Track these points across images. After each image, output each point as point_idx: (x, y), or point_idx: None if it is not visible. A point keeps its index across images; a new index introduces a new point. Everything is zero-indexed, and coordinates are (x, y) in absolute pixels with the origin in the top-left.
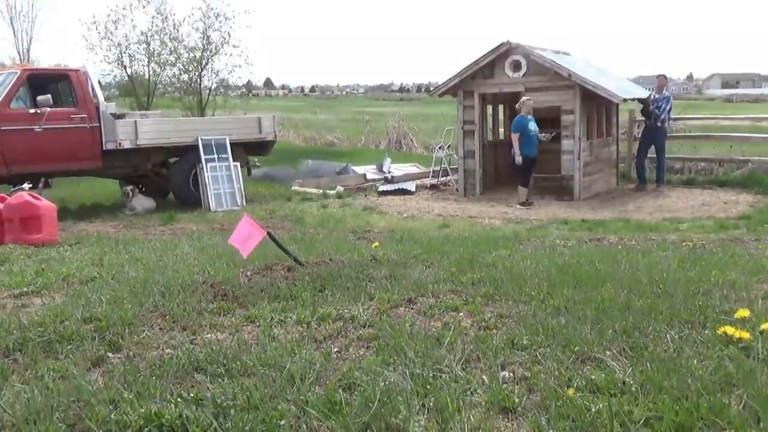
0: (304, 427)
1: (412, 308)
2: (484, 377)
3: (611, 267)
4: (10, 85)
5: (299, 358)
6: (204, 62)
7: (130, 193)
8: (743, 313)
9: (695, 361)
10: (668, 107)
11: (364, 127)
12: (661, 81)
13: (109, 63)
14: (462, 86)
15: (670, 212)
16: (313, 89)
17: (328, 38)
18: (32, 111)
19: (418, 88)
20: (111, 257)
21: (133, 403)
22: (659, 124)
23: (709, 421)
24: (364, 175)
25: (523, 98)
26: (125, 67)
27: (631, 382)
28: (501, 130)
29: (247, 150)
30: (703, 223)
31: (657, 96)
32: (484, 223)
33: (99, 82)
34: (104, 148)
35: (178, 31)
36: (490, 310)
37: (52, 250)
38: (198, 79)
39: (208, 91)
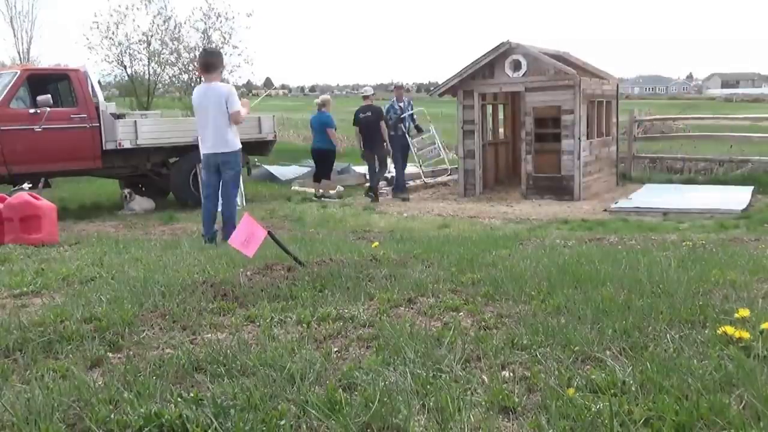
0: (304, 426)
1: (412, 308)
2: (484, 377)
3: (611, 267)
4: (10, 85)
5: (299, 358)
6: None
7: (128, 196)
8: (743, 312)
9: (695, 361)
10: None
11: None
12: (398, 91)
13: (110, 63)
14: (462, 86)
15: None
16: (313, 89)
17: (328, 38)
18: (32, 111)
19: (418, 87)
20: (111, 257)
21: (133, 403)
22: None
23: (709, 421)
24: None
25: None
26: (125, 67)
27: (631, 381)
28: (501, 129)
29: (247, 150)
30: (703, 222)
31: (397, 105)
32: (484, 223)
33: (99, 82)
34: (104, 148)
35: (179, 31)
36: (490, 309)
37: (52, 250)
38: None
39: None
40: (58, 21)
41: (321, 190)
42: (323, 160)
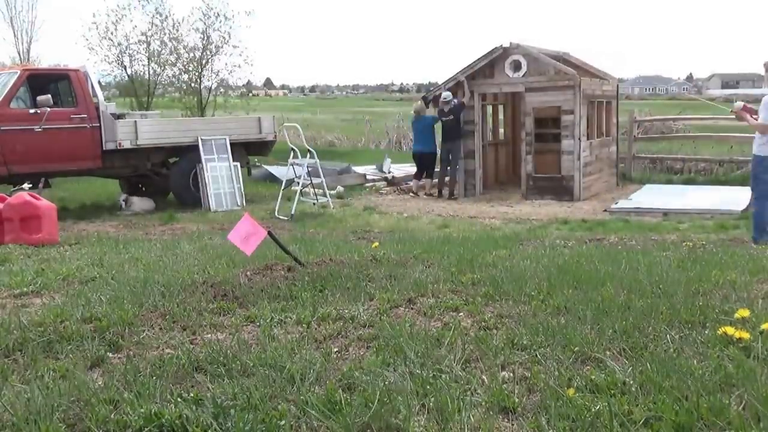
0: (304, 427)
1: (412, 308)
2: (484, 377)
3: (611, 267)
4: (10, 85)
5: (299, 358)
6: (204, 62)
7: (123, 204)
8: (743, 313)
9: (695, 361)
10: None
11: (364, 127)
12: None
13: (109, 63)
14: (462, 86)
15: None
16: (313, 89)
17: (328, 38)
18: (32, 111)
19: (418, 88)
20: (111, 257)
21: (133, 403)
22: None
23: (709, 421)
24: (364, 175)
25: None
26: (125, 67)
27: (631, 382)
28: (501, 130)
29: (248, 150)
30: (703, 223)
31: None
32: (484, 223)
33: (99, 82)
34: (104, 148)
35: (177, 30)
36: (490, 310)
37: (52, 250)
38: (198, 79)
39: (208, 91)
40: (58, 21)
41: (421, 188)
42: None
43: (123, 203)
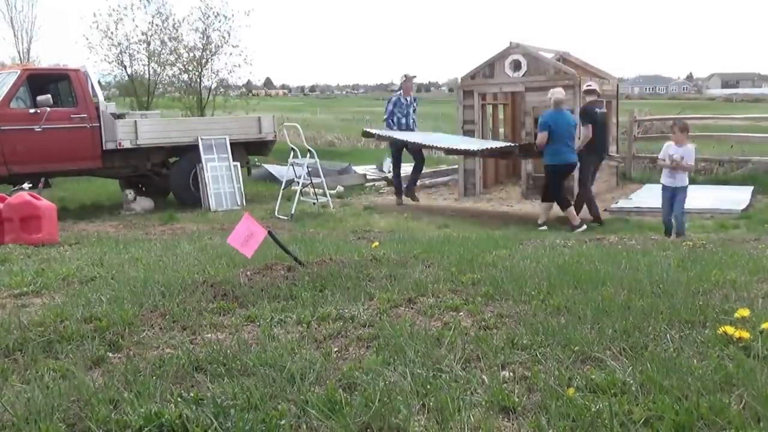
0: (304, 427)
1: (412, 308)
2: (484, 377)
3: (611, 267)
4: (10, 85)
5: (299, 358)
6: (204, 62)
7: (128, 196)
8: (743, 312)
9: (695, 361)
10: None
11: (365, 127)
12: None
13: (109, 63)
14: (462, 86)
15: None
16: (313, 89)
17: (328, 38)
18: (32, 111)
19: (418, 88)
20: (111, 257)
21: (133, 403)
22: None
23: (709, 421)
24: (364, 175)
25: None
26: (125, 67)
27: (631, 382)
28: (501, 130)
29: (248, 150)
30: (703, 222)
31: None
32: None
33: (99, 82)
34: (104, 148)
35: (177, 30)
36: (490, 309)
37: (52, 250)
38: (198, 79)
39: (208, 91)
40: (58, 21)
41: None
42: None
43: (128, 195)
